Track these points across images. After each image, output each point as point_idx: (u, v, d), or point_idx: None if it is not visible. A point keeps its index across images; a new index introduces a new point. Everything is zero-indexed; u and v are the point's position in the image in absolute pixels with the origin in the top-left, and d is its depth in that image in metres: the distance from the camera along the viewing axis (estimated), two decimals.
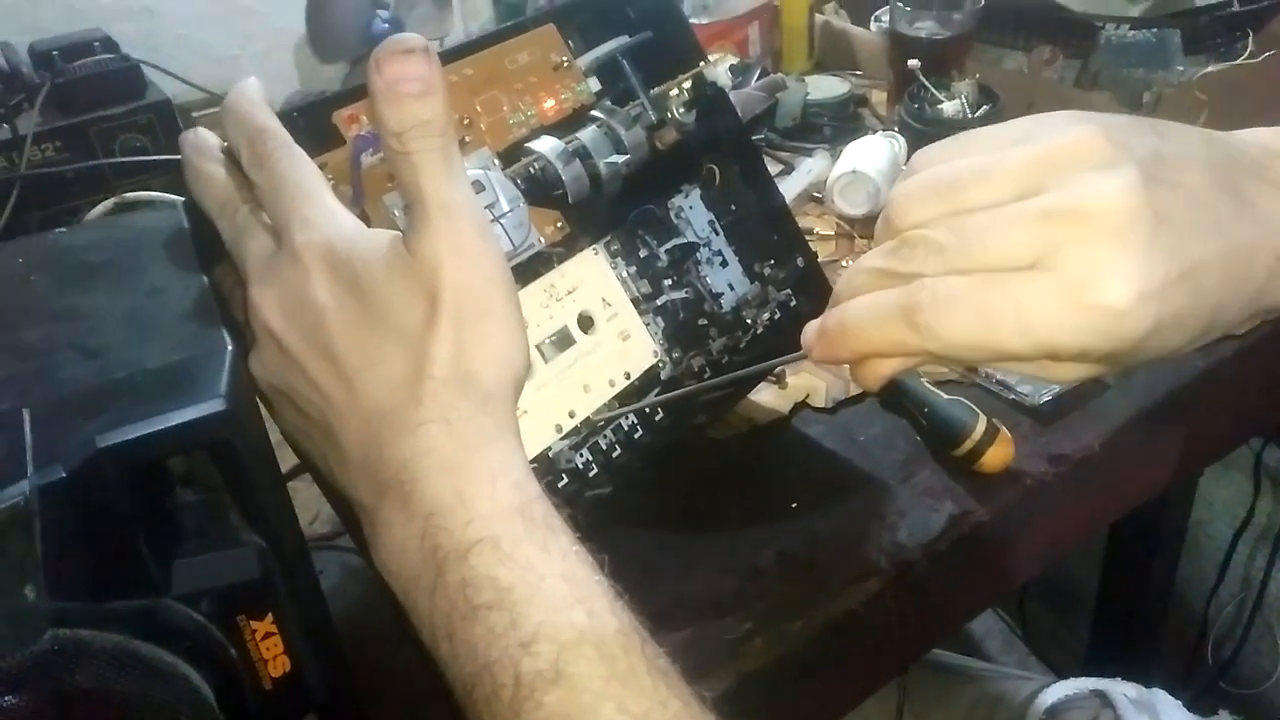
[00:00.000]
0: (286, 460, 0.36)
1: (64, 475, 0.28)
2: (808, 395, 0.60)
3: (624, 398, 0.47)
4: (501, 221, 0.40)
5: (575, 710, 0.27)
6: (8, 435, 0.29)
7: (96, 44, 0.81)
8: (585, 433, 0.46)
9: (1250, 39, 0.85)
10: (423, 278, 0.32)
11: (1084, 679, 0.75)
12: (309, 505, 0.52)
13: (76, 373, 0.32)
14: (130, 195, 0.64)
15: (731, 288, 0.52)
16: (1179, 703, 0.74)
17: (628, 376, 0.47)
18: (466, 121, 0.43)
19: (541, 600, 0.29)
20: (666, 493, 0.51)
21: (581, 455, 0.45)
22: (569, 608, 0.29)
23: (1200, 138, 0.31)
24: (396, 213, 0.38)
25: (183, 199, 0.39)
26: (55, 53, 0.79)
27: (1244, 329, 0.62)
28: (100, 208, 0.62)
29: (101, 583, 0.29)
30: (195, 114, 0.88)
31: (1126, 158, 0.28)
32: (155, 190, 0.67)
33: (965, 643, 1.28)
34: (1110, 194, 0.28)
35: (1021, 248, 0.28)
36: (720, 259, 0.52)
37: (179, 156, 0.37)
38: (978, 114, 0.80)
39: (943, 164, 0.31)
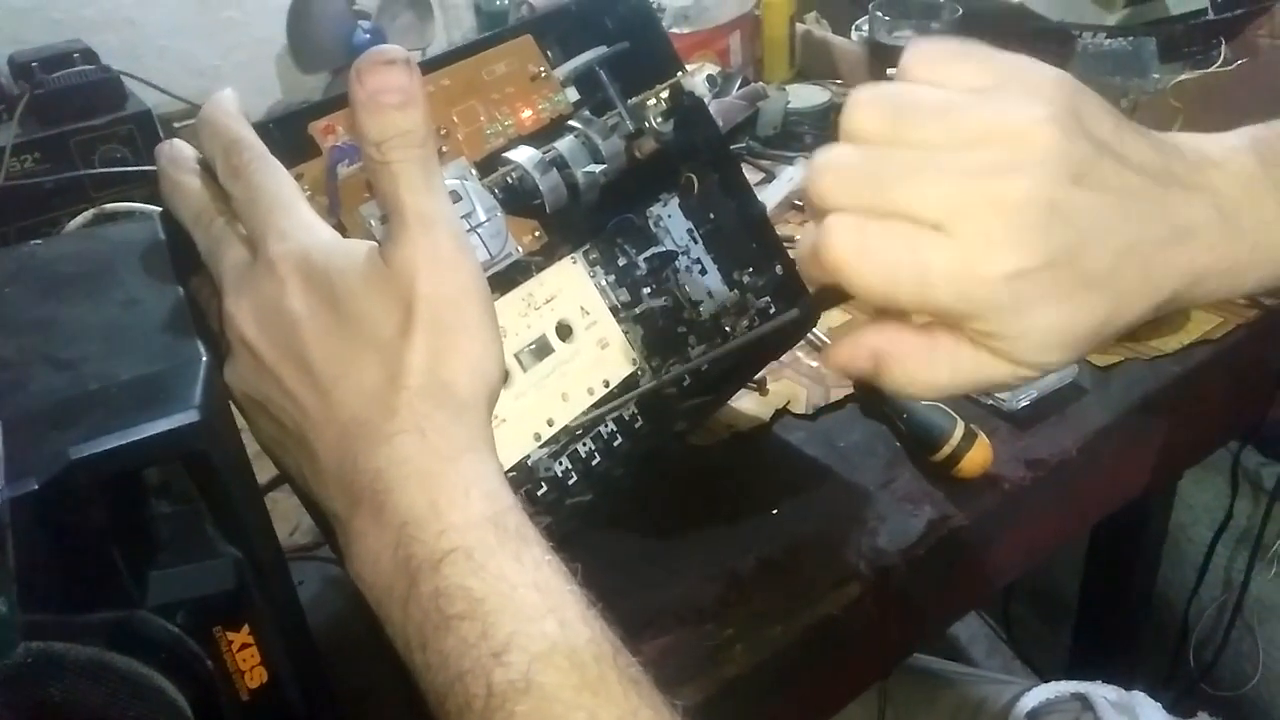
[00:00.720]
0: (266, 471, 0.36)
1: (36, 487, 0.28)
2: (788, 402, 0.60)
3: (602, 406, 0.47)
4: (478, 231, 0.40)
5: (547, 719, 0.28)
6: None
7: (77, 55, 0.81)
8: (564, 441, 0.46)
9: (1224, 47, 0.86)
10: (398, 288, 0.32)
11: (1065, 682, 0.76)
12: (289, 516, 0.51)
13: (50, 384, 0.32)
14: (110, 206, 0.63)
15: (710, 295, 0.52)
16: (1159, 705, 0.74)
17: (606, 385, 0.48)
18: (443, 132, 0.43)
19: (513, 610, 0.29)
20: (647, 500, 0.52)
21: (561, 463, 0.46)
22: (541, 618, 0.29)
23: (1151, 143, 0.32)
24: (373, 223, 0.38)
25: (159, 210, 0.39)
26: (35, 64, 0.79)
27: (1189, 338, 0.62)
28: (80, 219, 0.62)
29: (76, 595, 0.29)
30: (176, 125, 0.87)
31: (1056, 153, 0.30)
32: (136, 201, 0.67)
33: (950, 647, 1.28)
34: (1020, 185, 0.29)
35: (931, 207, 0.30)
36: (699, 267, 0.52)
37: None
38: None
39: (916, 87, 0.32)
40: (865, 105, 0.32)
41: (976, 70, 0.32)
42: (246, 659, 0.33)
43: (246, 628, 0.33)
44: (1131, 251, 0.31)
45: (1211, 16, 0.88)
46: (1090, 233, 0.30)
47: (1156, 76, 0.84)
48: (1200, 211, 0.32)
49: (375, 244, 0.34)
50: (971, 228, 0.29)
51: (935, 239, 0.30)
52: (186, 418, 0.30)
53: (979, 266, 0.29)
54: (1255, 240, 0.32)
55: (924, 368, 0.33)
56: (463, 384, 0.33)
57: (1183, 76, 0.83)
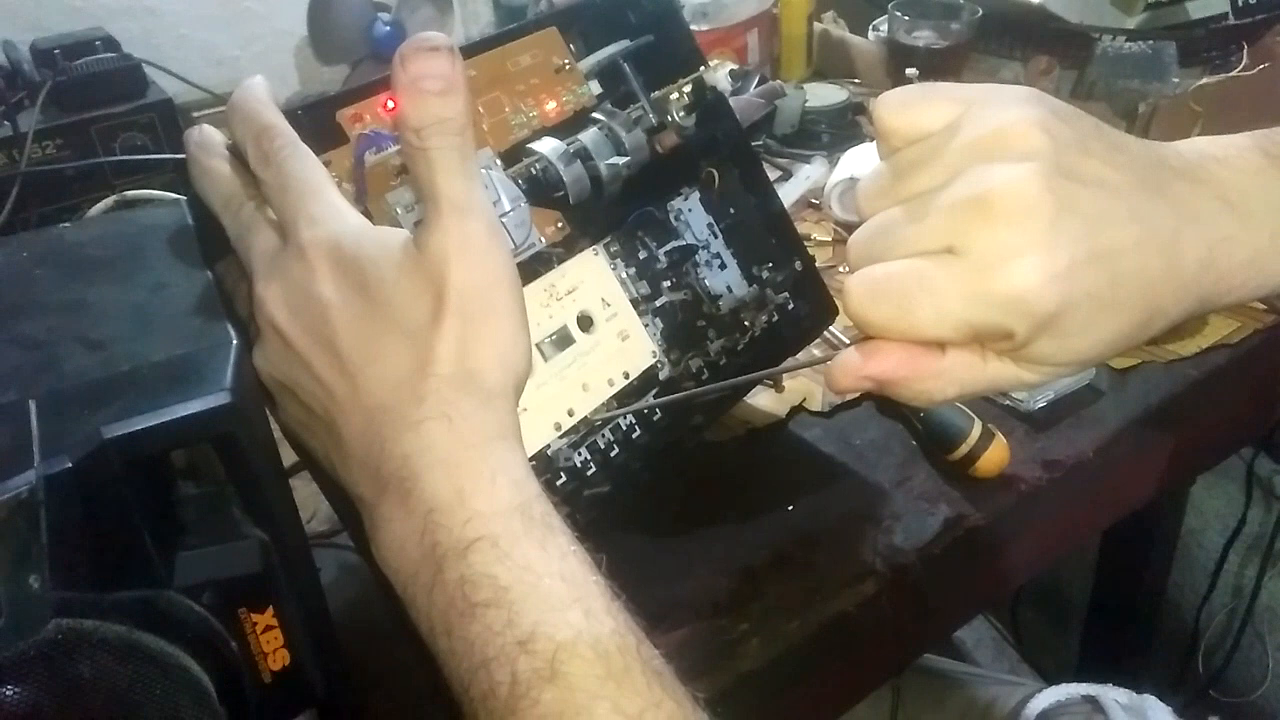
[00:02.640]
0: (285, 458, 0.37)
1: (70, 466, 0.28)
2: (804, 399, 0.60)
3: (622, 397, 0.47)
4: (503, 220, 0.40)
5: (570, 709, 0.28)
6: (14, 426, 0.29)
7: (98, 43, 0.81)
8: (584, 432, 0.46)
9: (1245, 52, 0.86)
10: (430, 274, 0.32)
11: (1075, 685, 0.76)
12: (307, 503, 0.51)
13: (82, 365, 0.32)
14: (131, 193, 0.64)
15: (730, 290, 0.52)
16: (1169, 709, 0.74)
17: (626, 376, 0.48)
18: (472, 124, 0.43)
19: (539, 599, 0.29)
20: (664, 494, 0.52)
21: (580, 454, 0.46)
22: (566, 607, 0.29)
23: (1137, 143, 0.32)
24: (399, 211, 0.39)
25: (185, 196, 0.39)
26: (57, 51, 0.79)
27: (1207, 342, 0.62)
28: (100, 206, 0.62)
29: (105, 573, 0.29)
30: (196, 114, 0.88)
31: (1044, 149, 0.29)
32: (155, 189, 0.68)
33: (956, 650, 1.28)
34: (1015, 182, 0.29)
35: (936, 235, 0.30)
36: (719, 261, 0.52)
37: (180, 155, 0.37)
38: None
39: (884, 163, 0.33)
40: (867, 185, 0.33)
41: (945, 104, 0.32)
42: (270, 641, 0.33)
43: (271, 610, 0.33)
44: (1149, 243, 0.30)
45: (1232, 21, 0.88)
46: (1101, 225, 0.29)
47: (1176, 81, 0.84)
48: (1206, 202, 0.31)
49: (406, 231, 0.34)
50: (981, 240, 0.29)
51: (944, 262, 0.30)
52: (218, 399, 0.30)
53: (998, 277, 0.29)
54: (1275, 228, 0.32)
55: (933, 385, 0.33)
56: (491, 372, 0.33)
57: (1203, 81, 0.83)
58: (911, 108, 0.32)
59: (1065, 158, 0.30)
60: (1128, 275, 0.30)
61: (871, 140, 0.87)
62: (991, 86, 0.32)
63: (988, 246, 0.29)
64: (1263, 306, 0.67)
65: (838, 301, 0.54)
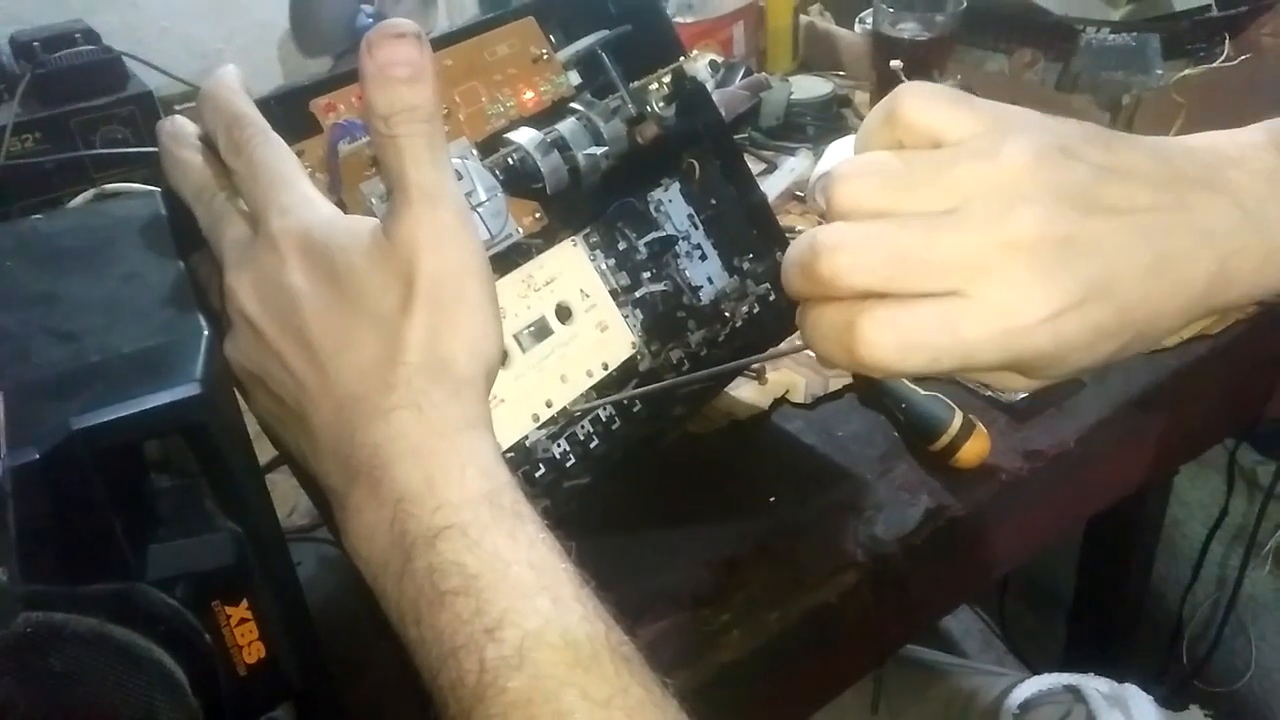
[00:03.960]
0: (265, 452, 0.36)
1: (38, 457, 0.28)
2: (787, 391, 0.60)
3: (602, 388, 0.47)
4: (479, 210, 0.40)
5: (538, 696, 0.28)
6: None
7: (78, 35, 0.80)
8: (563, 423, 0.46)
9: (1228, 43, 0.86)
10: (399, 263, 0.32)
11: (1057, 675, 0.76)
12: (287, 497, 0.52)
13: (51, 356, 0.32)
14: (111, 187, 0.63)
15: (710, 281, 0.52)
16: (1150, 698, 0.74)
17: (605, 367, 0.48)
18: (445, 112, 0.43)
19: (507, 587, 0.29)
20: (645, 485, 0.52)
21: (559, 445, 0.46)
22: (534, 595, 0.29)
23: (1151, 153, 0.32)
24: (374, 200, 0.38)
25: (160, 188, 0.39)
26: (36, 43, 0.78)
27: (1189, 333, 0.63)
28: (80, 199, 0.62)
29: (76, 566, 0.29)
30: (177, 107, 0.87)
31: (1051, 188, 0.30)
32: (136, 182, 0.67)
33: (944, 641, 1.29)
34: (1022, 226, 0.29)
35: (945, 278, 0.30)
36: (699, 252, 0.52)
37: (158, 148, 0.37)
38: None
39: (892, 155, 0.32)
40: (853, 179, 0.32)
41: (970, 119, 0.31)
42: (245, 634, 0.33)
43: (245, 602, 0.33)
44: (1160, 268, 0.30)
45: (1215, 13, 0.88)
46: (1115, 259, 0.30)
47: (1160, 72, 0.84)
48: (1223, 212, 0.31)
49: (377, 220, 0.34)
50: (995, 281, 0.29)
51: (965, 307, 0.30)
52: (188, 390, 0.30)
53: (1015, 318, 0.29)
54: None
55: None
56: (461, 361, 0.33)
57: (1186, 72, 0.83)
58: (937, 110, 0.31)
59: (1084, 193, 0.30)
60: (1135, 304, 0.30)
61: (856, 132, 0.87)
62: (1014, 111, 0.32)
63: (1004, 288, 0.29)
64: None
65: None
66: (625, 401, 0.48)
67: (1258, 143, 0.33)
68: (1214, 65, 0.85)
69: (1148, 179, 0.31)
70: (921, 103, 0.32)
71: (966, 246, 0.30)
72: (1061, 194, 0.29)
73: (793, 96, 0.93)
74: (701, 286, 0.52)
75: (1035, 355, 0.30)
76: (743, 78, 0.93)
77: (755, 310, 0.53)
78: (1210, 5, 0.89)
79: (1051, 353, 0.30)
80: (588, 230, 0.48)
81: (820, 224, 0.79)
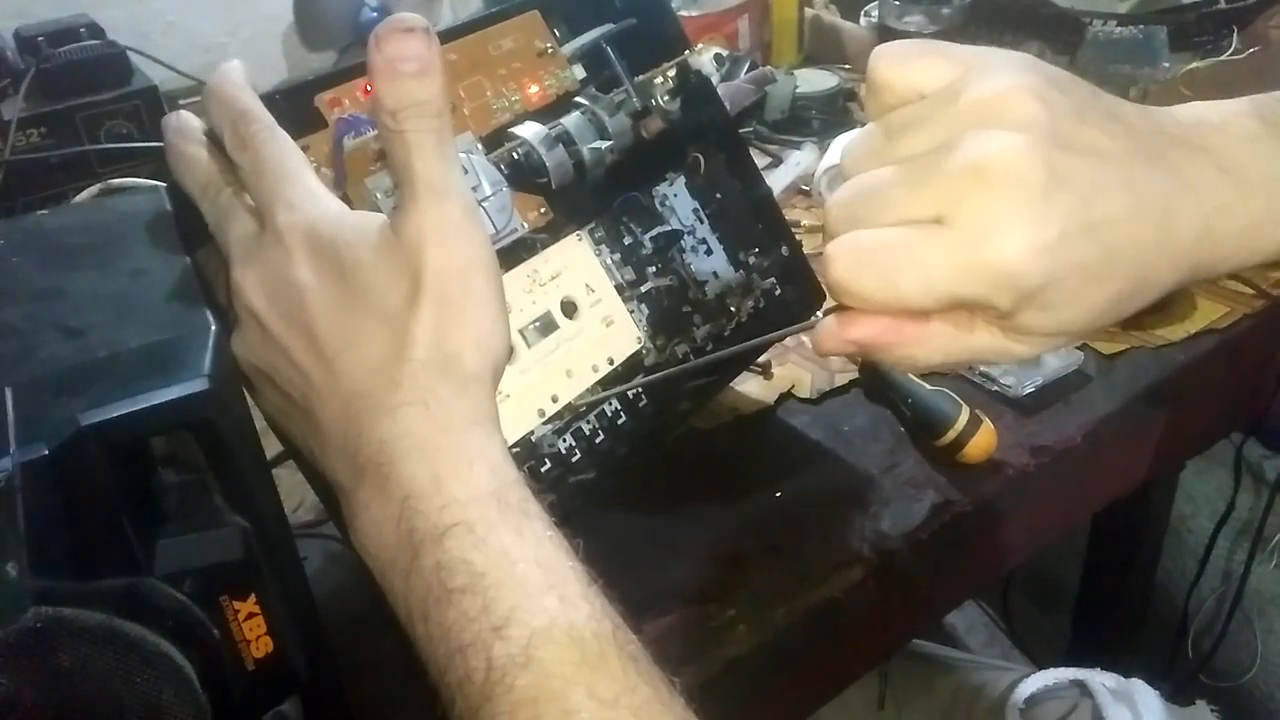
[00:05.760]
0: (271, 448, 0.36)
1: (47, 453, 0.28)
2: (793, 386, 0.60)
3: (607, 383, 0.47)
4: (484, 205, 0.40)
5: (545, 694, 0.28)
6: None
7: (83, 30, 0.81)
8: (568, 418, 0.46)
9: (1235, 36, 0.86)
10: (406, 258, 0.32)
11: (1063, 669, 0.76)
12: (293, 493, 0.52)
13: (59, 352, 0.31)
14: (116, 181, 0.63)
15: (716, 275, 0.52)
16: (1156, 692, 0.74)
17: (611, 362, 0.48)
18: (450, 106, 0.43)
19: (514, 585, 0.29)
20: (651, 480, 0.52)
21: (564, 440, 0.46)
22: (541, 593, 0.29)
23: (1134, 110, 0.31)
24: (379, 196, 0.38)
25: (166, 183, 0.39)
26: (41, 38, 0.78)
27: (1196, 327, 0.62)
28: (85, 194, 0.62)
29: (85, 561, 0.29)
30: (182, 101, 0.87)
31: (1039, 118, 0.29)
32: (141, 177, 0.67)
33: (948, 636, 1.29)
34: (1008, 152, 0.28)
35: (924, 203, 0.29)
36: (705, 247, 0.52)
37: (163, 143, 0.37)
38: None
39: (883, 113, 0.32)
40: (850, 151, 0.32)
41: (944, 64, 0.31)
42: (252, 628, 0.33)
43: (253, 597, 0.33)
44: (1143, 212, 0.29)
45: (1223, 6, 0.88)
46: (1094, 196, 0.29)
47: (1167, 65, 0.84)
48: (1203, 170, 0.31)
49: (383, 216, 0.34)
50: (972, 212, 0.28)
51: (933, 233, 0.29)
52: (196, 386, 0.30)
53: (987, 250, 0.28)
54: (1270, 195, 0.31)
55: (917, 351, 0.32)
56: (468, 357, 0.33)
57: (1193, 65, 0.83)
58: (909, 63, 0.31)
59: (1061, 127, 0.29)
60: (1121, 246, 0.29)
61: (861, 127, 0.87)
62: (989, 51, 0.31)
63: (976, 217, 0.28)
64: (1251, 291, 0.67)
65: (825, 286, 0.54)
66: (631, 397, 0.48)
67: (1240, 110, 0.32)
68: (1221, 58, 0.84)
69: (1129, 127, 0.30)
70: (892, 62, 0.32)
71: (939, 175, 0.29)
72: (1038, 127, 0.29)
73: (798, 90, 0.93)
74: (707, 281, 0.52)
75: (1008, 289, 0.29)
76: (748, 71, 0.93)
77: (761, 304, 0.53)
78: None
79: (1024, 285, 0.29)
80: (593, 225, 0.48)
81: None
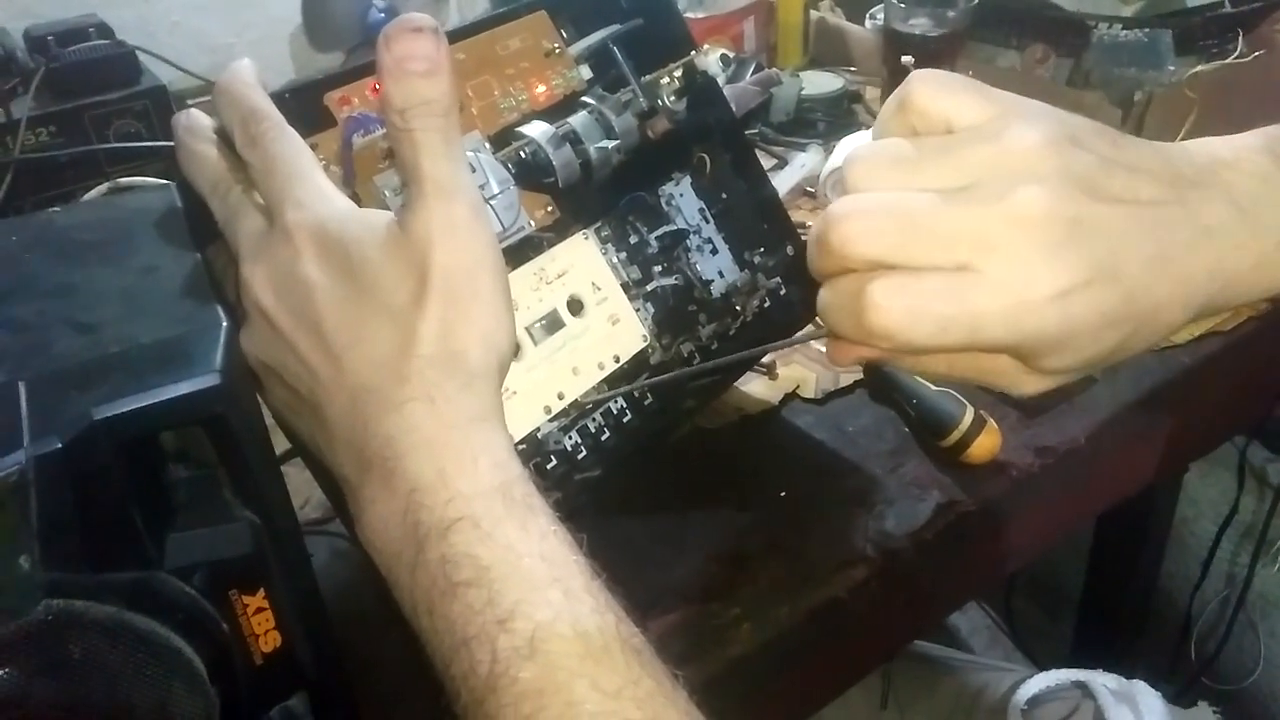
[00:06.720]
0: (279, 444, 0.37)
1: (60, 446, 0.28)
2: (797, 386, 0.61)
3: (613, 381, 0.48)
4: (491, 203, 0.40)
5: (549, 686, 0.28)
6: (4, 407, 0.29)
7: (92, 29, 0.81)
8: (574, 415, 0.46)
9: (1241, 39, 0.86)
10: (413, 256, 0.32)
11: (1066, 670, 0.76)
12: (300, 490, 0.52)
13: (71, 347, 0.32)
14: (124, 180, 0.64)
15: (721, 275, 0.52)
16: (1158, 694, 0.74)
17: (617, 360, 0.48)
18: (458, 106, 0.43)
19: (519, 579, 0.29)
20: (656, 479, 0.52)
21: (570, 437, 0.46)
22: (546, 586, 0.29)
23: (1153, 152, 0.33)
24: (387, 194, 0.39)
25: (175, 181, 0.39)
26: (50, 38, 0.79)
27: (1200, 330, 0.63)
28: (94, 192, 0.62)
29: (96, 554, 0.29)
30: (190, 101, 0.88)
31: (1059, 170, 0.30)
32: (149, 176, 0.67)
33: (951, 637, 1.29)
34: (1031, 203, 0.30)
35: (954, 250, 0.30)
36: (710, 246, 0.52)
37: (173, 141, 0.37)
38: None
39: (905, 139, 0.33)
40: (867, 160, 0.33)
41: (981, 104, 0.32)
42: (261, 623, 0.33)
43: (262, 591, 0.33)
44: (1162, 259, 0.31)
45: (1229, 9, 0.88)
46: (1120, 244, 0.30)
47: (1172, 69, 0.84)
48: (1220, 209, 0.32)
49: (391, 214, 0.34)
50: (1003, 257, 0.30)
51: (975, 281, 0.30)
52: (207, 381, 0.30)
53: (1022, 293, 0.30)
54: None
55: (929, 363, 0.34)
56: (474, 354, 0.33)
57: (1199, 69, 0.83)
58: (948, 95, 0.32)
59: (1094, 179, 0.30)
60: (1138, 292, 0.31)
61: (867, 128, 0.87)
62: (1024, 101, 0.33)
63: (1012, 263, 0.30)
64: None
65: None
66: (636, 394, 0.48)
67: (1252, 145, 0.33)
68: (1227, 62, 0.84)
69: (1151, 174, 0.31)
70: (934, 89, 0.32)
71: (975, 220, 0.30)
72: (1069, 177, 0.30)
73: (803, 92, 0.93)
74: (712, 280, 0.52)
75: (1042, 335, 0.30)
76: (753, 73, 0.93)
77: (766, 304, 0.53)
78: (1223, 1, 0.88)
79: (1057, 334, 0.30)
80: (599, 224, 0.49)
81: None
